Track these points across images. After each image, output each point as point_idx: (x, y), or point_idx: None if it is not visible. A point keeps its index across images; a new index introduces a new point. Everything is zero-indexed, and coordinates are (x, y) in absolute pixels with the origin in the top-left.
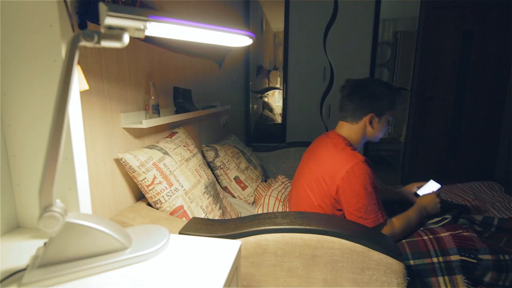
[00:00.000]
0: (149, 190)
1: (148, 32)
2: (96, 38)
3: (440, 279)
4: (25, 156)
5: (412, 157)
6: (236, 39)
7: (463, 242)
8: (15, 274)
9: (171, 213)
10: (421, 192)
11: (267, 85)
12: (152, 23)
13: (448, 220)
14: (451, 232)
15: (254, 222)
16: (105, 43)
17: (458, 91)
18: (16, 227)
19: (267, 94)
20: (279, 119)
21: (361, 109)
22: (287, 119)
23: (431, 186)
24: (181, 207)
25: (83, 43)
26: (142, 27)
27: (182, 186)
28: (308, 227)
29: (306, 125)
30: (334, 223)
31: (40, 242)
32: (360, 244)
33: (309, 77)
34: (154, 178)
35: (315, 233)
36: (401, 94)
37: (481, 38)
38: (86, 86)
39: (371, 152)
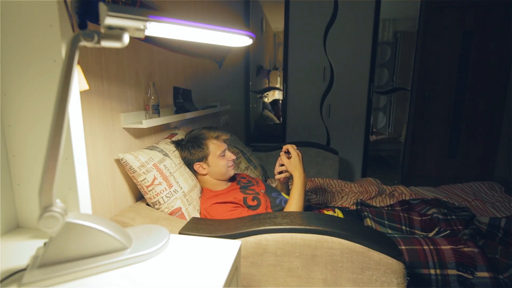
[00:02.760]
0: (149, 191)
1: (148, 32)
2: (96, 38)
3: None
4: (25, 156)
5: (412, 157)
6: (236, 39)
7: (462, 258)
8: (15, 274)
9: (169, 214)
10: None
11: (267, 85)
12: (152, 23)
13: (448, 232)
14: (452, 247)
15: (254, 222)
16: (105, 43)
17: (458, 91)
18: (16, 227)
19: (267, 94)
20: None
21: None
22: (287, 119)
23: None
24: (179, 209)
25: (83, 43)
26: (142, 27)
27: (181, 188)
28: (308, 227)
29: (306, 125)
30: (334, 223)
31: (40, 242)
32: (360, 244)
33: (309, 77)
34: (154, 179)
35: (315, 233)
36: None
37: (481, 38)
38: (86, 86)
39: (371, 152)
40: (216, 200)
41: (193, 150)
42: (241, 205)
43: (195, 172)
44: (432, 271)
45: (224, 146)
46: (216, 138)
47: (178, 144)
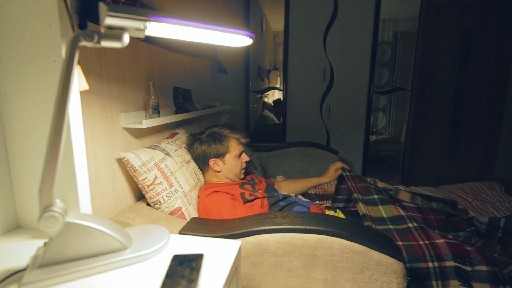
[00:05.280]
0: (149, 190)
1: (148, 32)
2: (96, 38)
3: (434, 283)
4: (25, 156)
5: (412, 157)
6: (236, 39)
7: (458, 249)
8: (15, 274)
9: (169, 214)
10: None
11: (267, 85)
12: (152, 23)
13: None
14: (446, 240)
15: (254, 222)
16: (105, 43)
17: (458, 91)
18: (16, 227)
19: (267, 94)
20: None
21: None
22: (287, 119)
23: None
24: (179, 208)
25: (83, 43)
26: (142, 27)
27: (182, 188)
28: (308, 227)
29: (306, 125)
30: (334, 223)
31: (40, 242)
32: (360, 244)
33: (309, 77)
34: (155, 178)
35: (315, 233)
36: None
37: (481, 38)
38: (86, 86)
39: (371, 152)
40: (215, 189)
41: (213, 144)
42: (237, 199)
43: (207, 168)
44: (430, 264)
45: (242, 148)
46: (238, 139)
47: (196, 138)
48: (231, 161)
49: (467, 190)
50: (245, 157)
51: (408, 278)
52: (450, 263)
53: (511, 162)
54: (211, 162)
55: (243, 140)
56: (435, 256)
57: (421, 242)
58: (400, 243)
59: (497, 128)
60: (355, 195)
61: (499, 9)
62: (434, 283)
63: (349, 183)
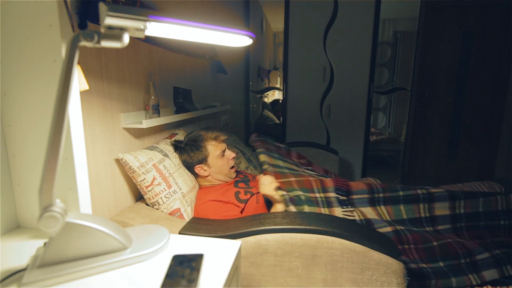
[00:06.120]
0: (148, 191)
1: (148, 32)
2: (96, 38)
3: (324, 210)
4: (25, 156)
5: (412, 157)
6: (236, 39)
7: (339, 183)
8: (15, 274)
9: (168, 215)
10: None
11: (267, 85)
12: (152, 23)
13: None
14: (333, 179)
15: (254, 222)
16: (105, 43)
17: (458, 91)
18: (16, 227)
19: (267, 94)
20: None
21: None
22: (287, 119)
23: None
24: (178, 209)
25: (83, 43)
26: (142, 27)
27: (181, 189)
28: (308, 227)
29: (306, 125)
30: (334, 223)
31: (40, 242)
32: (360, 244)
33: (309, 77)
34: (154, 179)
35: (315, 233)
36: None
37: (481, 38)
38: (86, 86)
39: (371, 152)
40: (210, 198)
41: (192, 153)
42: (233, 203)
43: (196, 175)
44: (318, 195)
45: (223, 146)
46: (215, 138)
47: (177, 147)
48: (216, 162)
49: (467, 190)
50: (230, 154)
51: (408, 278)
52: (332, 194)
53: (511, 162)
54: (197, 169)
55: (222, 138)
56: (322, 189)
57: (311, 178)
58: (292, 179)
59: (497, 128)
60: (259, 149)
61: (499, 9)
62: (324, 210)
63: (257, 143)
